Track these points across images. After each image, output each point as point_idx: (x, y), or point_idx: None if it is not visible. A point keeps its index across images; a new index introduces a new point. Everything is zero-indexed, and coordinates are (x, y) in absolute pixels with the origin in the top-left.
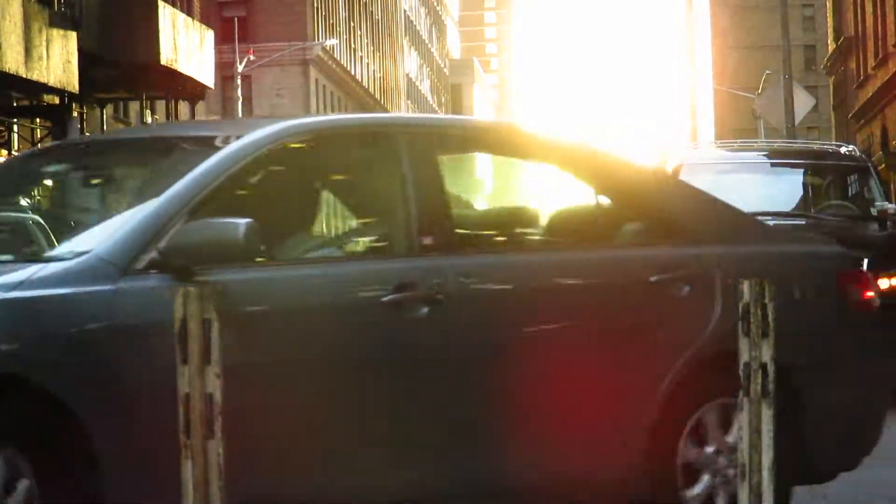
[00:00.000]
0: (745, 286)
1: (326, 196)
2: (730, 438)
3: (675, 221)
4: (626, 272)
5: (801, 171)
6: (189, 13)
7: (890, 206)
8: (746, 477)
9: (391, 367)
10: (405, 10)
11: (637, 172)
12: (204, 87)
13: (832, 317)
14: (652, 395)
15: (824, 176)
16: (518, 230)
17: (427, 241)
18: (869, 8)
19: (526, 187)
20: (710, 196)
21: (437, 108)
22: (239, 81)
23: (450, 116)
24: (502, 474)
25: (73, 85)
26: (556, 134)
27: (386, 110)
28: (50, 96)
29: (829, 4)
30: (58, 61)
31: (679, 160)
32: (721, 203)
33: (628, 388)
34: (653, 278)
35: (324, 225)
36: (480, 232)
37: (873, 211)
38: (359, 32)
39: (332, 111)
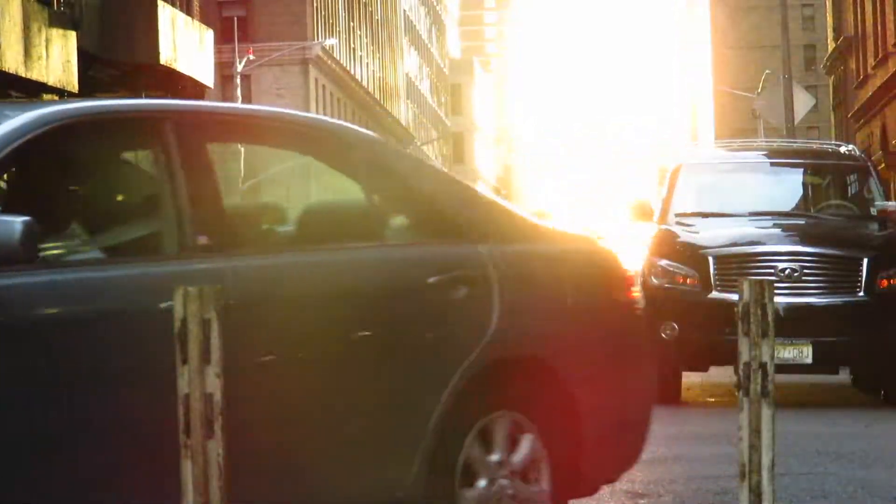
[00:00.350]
0: (745, 286)
1: (94, 191)
2: (494, 457)
3: (448, 217)
4: (405, 272)
5: (801, 170)
6: (189, 13)
7: (890, 205)
8: (746, 477)
9: (174, 380)
10: (405, 10)
11: (408, 165)
12: (203, 86)
13: (597, 317)
14: (430, 411)
15: (824, 175)
16: (286, 227)
17: (203, 240)
18: (869, 8)
19: (298, 181)
20: (482, 191)
21: (436, 108)
22: (238, 81)
23: (219, 103)
24: (286, 493)
25: (73, 84)
26: (326, 124)
27: (386, 110)
28: (49, 96)
29: (828, 4)
30: (57, 61)
31: (679, 160)
32: (494, 199)
33: (403, 404)
34: (431, 279)
35: (94, 223)
36: (253, 230)
37: (873, 211)
38: (358, 32)
39: (332, 111)
